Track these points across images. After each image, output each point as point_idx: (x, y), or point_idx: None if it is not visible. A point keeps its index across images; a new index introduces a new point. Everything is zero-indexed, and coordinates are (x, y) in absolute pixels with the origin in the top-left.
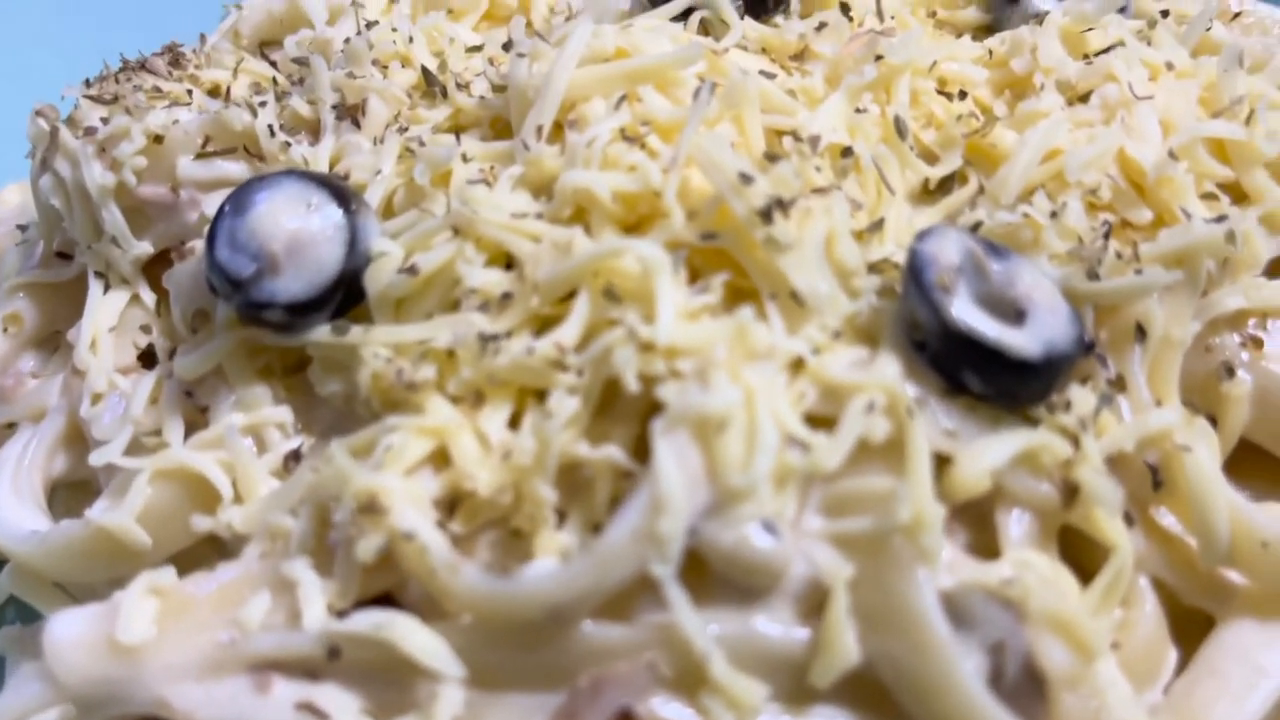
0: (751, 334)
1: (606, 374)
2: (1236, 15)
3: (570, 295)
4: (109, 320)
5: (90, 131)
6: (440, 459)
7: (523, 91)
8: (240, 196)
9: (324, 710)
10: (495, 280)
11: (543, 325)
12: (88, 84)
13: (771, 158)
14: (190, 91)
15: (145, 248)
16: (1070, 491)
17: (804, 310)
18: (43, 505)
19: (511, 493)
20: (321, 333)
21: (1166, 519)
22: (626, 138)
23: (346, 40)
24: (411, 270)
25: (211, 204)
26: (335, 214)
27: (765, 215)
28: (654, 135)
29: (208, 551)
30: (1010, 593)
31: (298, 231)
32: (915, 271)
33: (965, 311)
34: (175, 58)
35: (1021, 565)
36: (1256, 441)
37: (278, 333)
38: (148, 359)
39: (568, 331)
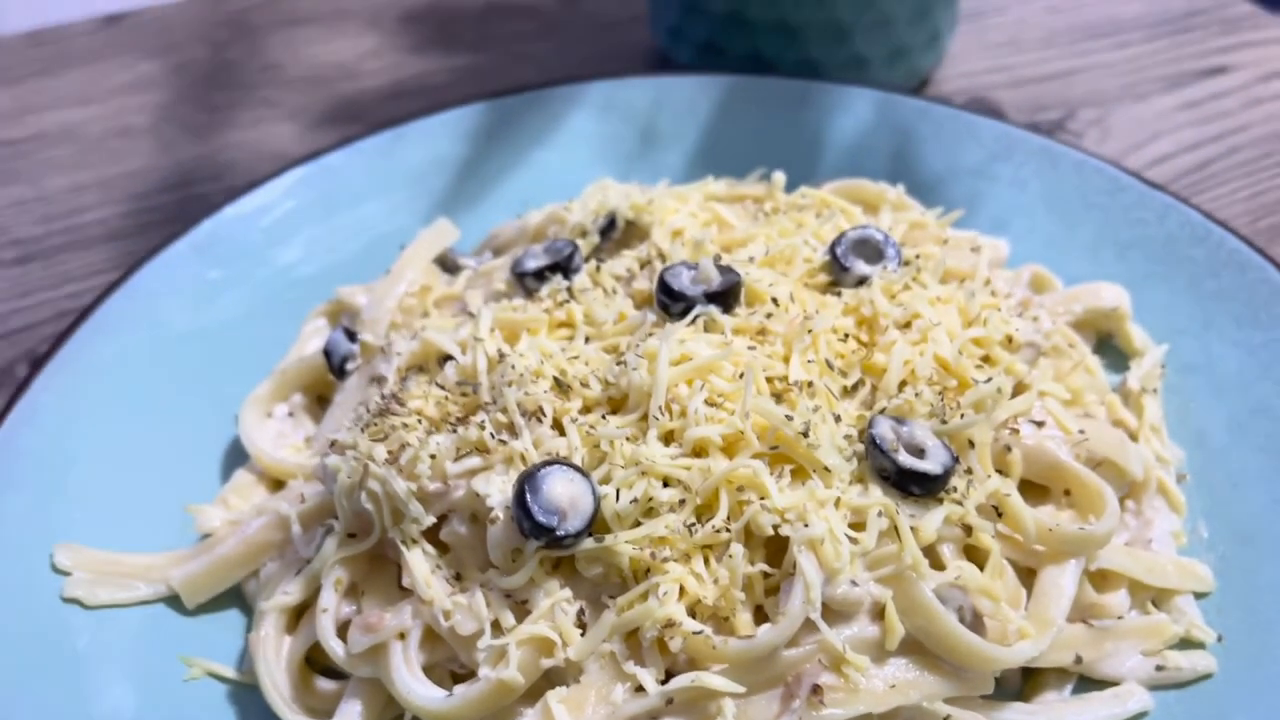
0: (819, 494)
1: (751, 530)
2: (945, 241)
3: (713, 493)
4: (425, 567)
5: (389, 461)
6: (680, 592)
7: (639, 388)
8: (532, 482)
9: None
10: (672, 495)
11: (699, 512)
12: (361, 430)
13: (777, 397)
14: (420, 421)
15: (430, 519)
16: (967, 529)
17: (831, 475)
18: (430, 684)
19: (723, 599)
20: (589, 543)
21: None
22: (708, 404)
23: (509, 370)
24: (634, 501)
25: (471, 486)
26: (584, 481)
27: (804, 434)
28: (725, 400)
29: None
30: (960, 583)
31: (572, 496)
32: (877, 445)
33: (905, 459)
34: (399, 400)
35: (959, 569)
36: (1029, 479)
37: (565, 549)
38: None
39: (722, 514)
